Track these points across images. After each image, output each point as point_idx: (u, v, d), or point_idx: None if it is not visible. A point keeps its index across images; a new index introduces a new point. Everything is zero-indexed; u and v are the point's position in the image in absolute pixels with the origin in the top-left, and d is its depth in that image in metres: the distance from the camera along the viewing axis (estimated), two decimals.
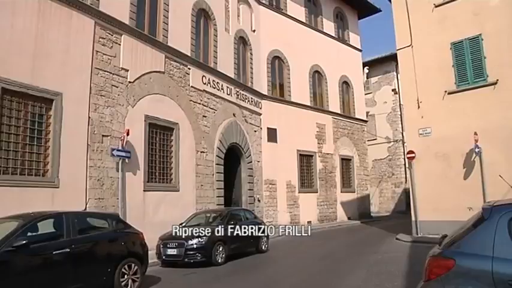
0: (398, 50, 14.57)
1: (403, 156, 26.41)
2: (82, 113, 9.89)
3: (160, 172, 12.34)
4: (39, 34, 9.06)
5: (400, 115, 27.24)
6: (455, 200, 11.72)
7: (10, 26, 8.51)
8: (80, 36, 10.02)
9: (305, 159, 19.58)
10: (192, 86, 13.84)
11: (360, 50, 24.97)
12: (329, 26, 22.98)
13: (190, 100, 13.73)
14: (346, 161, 22.16)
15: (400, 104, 26.91)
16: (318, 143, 20.37)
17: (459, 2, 13.11)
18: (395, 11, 14.78)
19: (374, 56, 29.58)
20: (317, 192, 19.74)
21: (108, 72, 10.73)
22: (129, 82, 11.37)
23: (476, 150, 11.59)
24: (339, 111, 22.21)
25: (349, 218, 21.16)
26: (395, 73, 27.74)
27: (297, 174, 18.92)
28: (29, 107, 8.84)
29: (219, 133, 15.03)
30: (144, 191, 11.41)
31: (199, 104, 14.15)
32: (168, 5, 13.17)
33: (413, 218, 13.16)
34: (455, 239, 3.37)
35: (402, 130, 26.50)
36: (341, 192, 21.19)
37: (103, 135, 10.35)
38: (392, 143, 28.33)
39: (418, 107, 13.38)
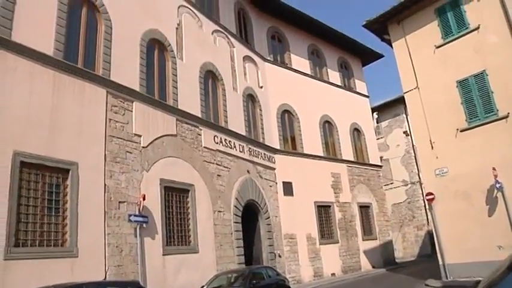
0: (405, 93, 14.69)
1: (422, 198, 26.03)
2: (98, 180, 9.98)
3: (178, 235, 12.23)
4: (54, 107, 9.35)
5: (415, 157, 27.07)
6: (482, 239, 11.40)
7: (27, 101, 8.83)
8: (93, 106, 10.31)
9: (323, 210, 19.32)
10: (204, 147, 13.99)
11: (367, 96, 25.22)
12: (334, 75, 23.40)
13: (204, 161, 13.83)
14: (364, 209, 21.81)
15: (413, 146, 26.82)
16: (335, 193, 20.16)
17: (458, 42, 13.34)
18: (397, 56, 15.04)
19: (382, 101, 29.86)
20: (338, 243, 19.32)
21: (121, 139, 10.91)
22: (143, 147, 11.53)
23: (497, 185, 11.34)
24: (352, 159, 22.13)
25: (373, 267, 20.56)
26: (404, 115, 27.86)
27: (316, 226, 18.61)
28: (46, 178, 8.97)
29: (235, 191, 15.00)
30: (163, 255, 11.26)
31: (213, 163, 14.23)
32: (176, 70, 13.57)
33: (440, 262, 12.74)
34: (491, 284, 3.03)
35: (418, 172, 26.26)
36: (363, 240, 20.71)
37: (119, 202, 10.37)
38: (409, 185, 28.01)
39: (432, 148, 13.30)
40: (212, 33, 16.13)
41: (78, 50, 10.56)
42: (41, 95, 9.15)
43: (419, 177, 26.12)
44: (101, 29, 11.29)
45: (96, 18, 11.32)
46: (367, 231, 21.45)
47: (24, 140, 8.55)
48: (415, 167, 27.17)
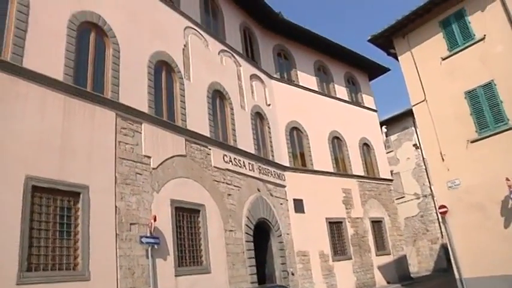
0: (413, 106, 14.68)
1: (435, 211, 25.76)
2: (109, 203, 10.00)
3: (190, 255, 12.17)
4: (65, 131, 9.45)
5: (425, 169, 26.86)
6: (500, 252, 11.24)
7: (39, 126, 8.94)
8: (102, 129, 10.40)
9: (335, 227, 19.16)
10: (214, 166, 14.01)
11: (375, 111, 25.21)
12: (342, 91, 23.47)
13: (214, 180, 13.83)
14: (377, 223, 21.61)
15: (423, 159, 26.65)
16: (346, 208, 20.02)
17: (464, 53, 13.35)
18: (404, 69, 15.09)
19: (390, 114, 29.80)
20: (351, 259, 19.10)
21: (131, 160, 10.97)
22: (153, 168, 11.57)
23: None
24: (363, 174, 22.01)
25: (388, 282, 20.27)
26: (414, 128, 27.76)
27: (329, 243, 18.44)
28: (58, 201, 9.01)
29: (246, 210, 14.94)
30: (175, 276, 11.19)
31: (223, 183, 14.23)
32: (183, 90, 13.68)
33: (457, 276, 12.54)
34: None
35: (430, 184, 26.03)
36: (376, 256, 20.47)
37: (131, 223, 10.37)
38: (421, 198, 27.74)
39: (443, 160, 13.22)
40: (219, 53, 16.29)
41: (87, 74, 10.70)
42: (52, 119, 9.25)
43: (431, 190, 25.88)
44: (109, 53, 11.45)
45: (104, 42, 11.49)
46: (381, 246, 21.21)
47: (35, 164, 8.62)
48: (427, 179, 26.95)
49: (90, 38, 11.14)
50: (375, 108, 25.24)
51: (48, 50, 9.68)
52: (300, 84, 21.15)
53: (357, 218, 20.35)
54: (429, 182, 26.25)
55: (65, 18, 10.41)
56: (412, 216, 28.15)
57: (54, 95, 9.46)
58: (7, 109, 8.43)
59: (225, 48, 16.80)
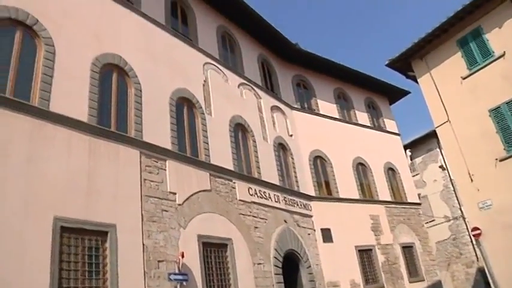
0: (436, 127, 14.53)
1: (467, 234, 25.07)
2: (136, 241, 10.00)
3: None
4: (91, 171, 9.57)
5: (454, 191, 26.31)
6: None
7: (66, 167, 9.07)
8: (127, 167, 10.51)
9: (365, 254, 18.76)
10: (239, 200, 13.97)
11: (398, 134, 24.96)
12: (363, 116, 23.40)
13: (240, 213, 13.77)
14: (407, 249, 21.07)
15: (451, 180, 26.16)
16: (375, 235, 19.63)
17: (485, 70, 13.26)
18: (424, 91, 15.04)
19: (414, 137, 29.53)
20: (384, 287, 18.62)
21: (157, 198, 11.02)
22: (178, 205, 11.59)
23: None
24: (390, 199, 21.64)
25: None
26: (438, 149, 27.40)
27: (360, 271, 18.01)
28: (86, 241, 9.04)
29: (274, 242, 14.77)
30: None
31: (250, 216, 14.15)
32: (205, 126, 13.81)
33: None
34: None
35: (460, 206, 25.44)
36: (409, 282, 19.87)
37: (158, 261, 10.32)
38: (452, 221, 27.07)
39: (471, 180, 12.97)
40: (238, 87, 16.49)
41: (111, 114, 10.90)
42: (78, 160, 9.40)
43: (462, 212, 25.28)
44: (131, 92, 11.69)
45: (126, 82, 11.75)
46: (413, 272, 20.61)
47: (63, 205, 8.72)
48: (456, 201, 26.38)
49: (112, 79, 11.41)
50: (397, 132, 25.02)
51: (73, 93, 9.96)
52: (321, 112, 21.19)
53: (387, 244, 19.91)
54: (459, 204, 25.67)
55: (88, 62, 10.72)
56: (444, 240, 27.44)
57: (79, 136, 9.64)
58: (35, 152, 8.61)
59: (245, 82, 17.02)
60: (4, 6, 9.30)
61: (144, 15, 13.34)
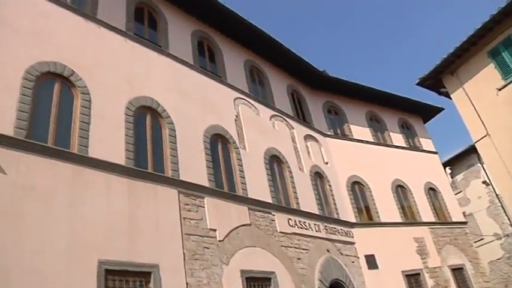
0: (475, 142, 14.14)
1: None
2: (179, 280, 9.97)
3: None
4: (131, 213, 9.70)
5: (502, 206, 25.31)
6: None
7: (107, 211, 9.23)
8: (166, 207, 10.60)
9: (413, 279, 18.10)
10: (280, 232, 13.82)
11: (436, 153, 24.41)
12: (397, 138, 23.04)
13: (282, 246, 13.60)
14: (458, 271, 20.20)
15: (497, 195, 25.20)
16: (422, 258, 18.96)
17: None
18: (459, 106, 14.74)
19: (452, 153, 28.81)
20: None
21: (198, 235, 11.01)
22: (219, 241, 11.54)
23: None
24: (433, 220, 20.97)
25: None
26: (480, 164, 26.60)
27: None
28: (130, 282, 9.07)
29: (317, 272, 14.47)
30: None
31: (291, 247, 13.95)
32: (241, 160, 13.87)
33: None
34: None
35: (510, 222, 24.43)
36: None
37: None
38: (503, 238, 25.94)
39: None
40: (270, 119, 16.58)
41: (147, 156, 11.09)
42: (118, 202, 9.55)
43: None
44: (166, 133, 11.90)
45: (160, 123, 11.98)
46: None
47: (106, 247, 8.82)
48: (506, 217, 25.32)
49: (146, 121, 11.67)
50: (434, 150, 24.46)
51: (109, 137, 10.23)
52: (355, 137, 21.02)
53: (435, 267, 19.18)
54: (509, 220, 24.65)
55: (122, 106, 11.03)
56: (497, 259, 26.23)
57: (118, 179, 9.82)
58: (77, 196, 8.81)
59: (276, 113, 17.12)
60: (44, 61, 9.82)
61: (172, 57, 13.72)
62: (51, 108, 9.62)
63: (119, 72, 11.61)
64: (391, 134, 22.96)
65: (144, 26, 13.92)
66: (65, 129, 9.63)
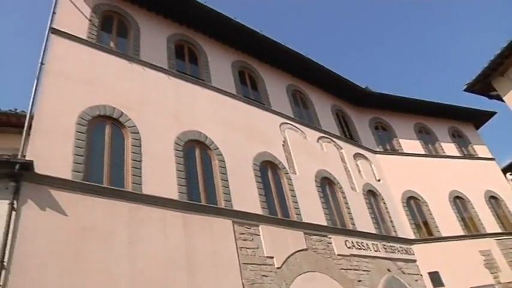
0: None
1: None
2: None
3: None
4: (188, 246, 9.74)
5: None
6: None
7: (164, 246, 9.31)
8: (222, 238, 10.61)
9: None
10: (338, 254, 13.52)
11: (493, 159, 23.42)
12: (449, 147, 22.33)
13: (341, 268, 13.29)
14: None
15: None
16: (492, 273, 17.96)
17: None
18: None
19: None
20: None
21: (255, 264, 10.92)
22: (277, 268, 11.40)
23: None
24: (499, 230, 19.93)
25: None
26: None
27: None
28: None
29: None
30: None
31: (351, 269, 13.61)
32: (292, 185, 13.78)
33: None
34: None
35: None
36: None
37: None
38: None
39: None
40: (318, 141, 16.50)
41: (199, 188, 11.20)
42: (174, 237, 9.64)
43: None
44: (215, 164, 12.02)
45: (209, 155, 12.13)
46: None
47: (167, 283, 8.89)
48: None
49: (195, 154, 11.84)
50: (491, 156, 23.50)
51: (161, 173, 10.43)
52: (405, 151, 20.55)
53: (509, 282, 18.11)
54: None
55: (171, 142, 11.28)
56: None
57: (172, 214, 9.94)
58: (135, 234, 8.96)
59: (323, 135, 17.04)
60: (94, 105, 10.27)
61: (215, 89, 14.01)
62: (104, 150, 9.97)
63: (165, 109, 11.94)
64: (442, 144, 22.29)
65: (186, 62, 14.33)
66: (119, 168, 9.91)
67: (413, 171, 19.70)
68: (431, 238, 17.92)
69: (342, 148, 17.56)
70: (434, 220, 18.48)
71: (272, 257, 11.46)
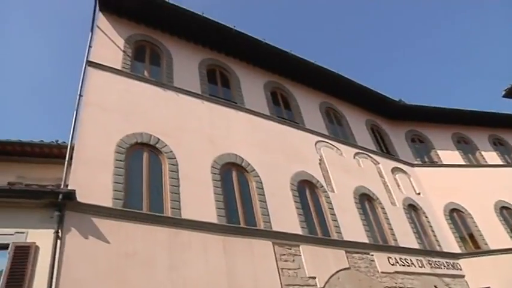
0: None
1: None
2: None
3: None
4: (229, 269, 9.70)
5: None
6: None
7: (205, 270, 9.31)
8: (263, 260, 10.52)
9: None
10: (381, 272, 13.20)
11: None
12: (491, 156, 21.62)
13: (385, 286, 12.94)
14: None
15: None
16: None
17: None
18: None
19: None
20: None
21: (297, 285, 10.76)
22: None
23: None
24: None
25: None
26: None
27: None
28: None
29: None
30: None
31: (395, 287, 13.26)
32: (330, 203, 13.63)
33: None
34: None
35: None
36: None
37: None
38: None
39: None
40: (354, 157, 16.34)
41: (237, 211, 11.21)
42: (215, 261, 9.63)
43: None
44: (253, 186, 12.03)
45: (246, 177, 12.16)
46: None
47: None
48: None
49: (232, 177, 11.89)
50: None
51: (199, 197, 10.51)
52: (444, 163, 20.05)
53: None
54: None
55: (208, 166, 11.38)
56: None
57: (212, 238, 9.95)
58: (176, 259, 9.00)
59: (359, 151, 16.90)
60: (131, 133, 10.52)
61: (249, 111, 14.13)
62: (143, 176, 10.15)
63: (200, 133, 12.09)
64: (483, 153, 21.62)
65: (218, 86, 14.55)
66: (157, 194, 10.05)
67: (454, 183, 19.16)
68: (479, 252, 17.24)
69: (379, 163, 17.31)
70: (481, 232, 17.83)
71: (314, 277, 11.29)
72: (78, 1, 37.00)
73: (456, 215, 18.28)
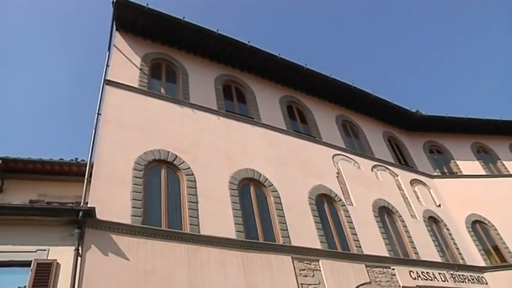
0: None
1: None
2: None
3: None
4: (248, 285, 9.61)
5: None
6: None
7: (224, 285, 9.23)
8: (282, 275, 10.40)
9: None
10: (403, 286, 12.94)
11: None
12: None
13: None
14: None
15: None
16: None
17: None
18: None
19: None
20: None
21: None
22: None
23: None
24: None
25: None
26: None
27: None
28: None
29: None
30: None
31: None
32: (349, 217, 13.49)
33: None
34: None
35: None
36: None
37: None
38: None
39: None
40: (372, 170, 16.20)
41: (256, 226, 11.15)
42: (234, 277, 9.56)
43: None
44: (271, 201, 11.98)
45: (264, 192, 12.13)
46: None
47: None
48: None
49: (250, 192, 11.87)
50: None
51: (217, 213, 10.50)
52: (464, 173, 19.72)
53: None
54: None
55: (226, 181, 11.40)
56: None
57: (231, 253, 9.90)
58: (195, 276, 8.97)
59: (377, 163, 16.76)
60: (149, 150, 10.62)
61: (265, 126, 14.15)
62: (161, 193, 10.20)
63: (217, 149, 12.13)
64: (504, 162, 21.20)
65: (234, 102, 14.63)
66: (176, 210, 10.07)
67: (476, 194, 18.81)
68: (506, 265, 16.78)
69: (397, 175, 17.12)
70: (506, 245, 17.37)
71: None
72: (96, 21, 37.71)
73: (479, 226, 17.92)
